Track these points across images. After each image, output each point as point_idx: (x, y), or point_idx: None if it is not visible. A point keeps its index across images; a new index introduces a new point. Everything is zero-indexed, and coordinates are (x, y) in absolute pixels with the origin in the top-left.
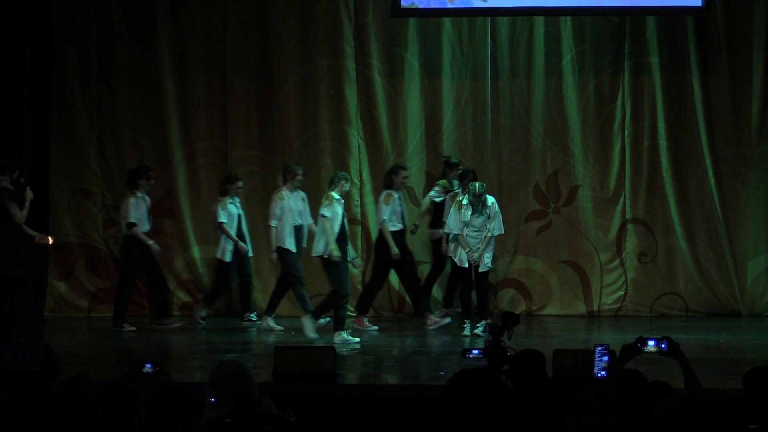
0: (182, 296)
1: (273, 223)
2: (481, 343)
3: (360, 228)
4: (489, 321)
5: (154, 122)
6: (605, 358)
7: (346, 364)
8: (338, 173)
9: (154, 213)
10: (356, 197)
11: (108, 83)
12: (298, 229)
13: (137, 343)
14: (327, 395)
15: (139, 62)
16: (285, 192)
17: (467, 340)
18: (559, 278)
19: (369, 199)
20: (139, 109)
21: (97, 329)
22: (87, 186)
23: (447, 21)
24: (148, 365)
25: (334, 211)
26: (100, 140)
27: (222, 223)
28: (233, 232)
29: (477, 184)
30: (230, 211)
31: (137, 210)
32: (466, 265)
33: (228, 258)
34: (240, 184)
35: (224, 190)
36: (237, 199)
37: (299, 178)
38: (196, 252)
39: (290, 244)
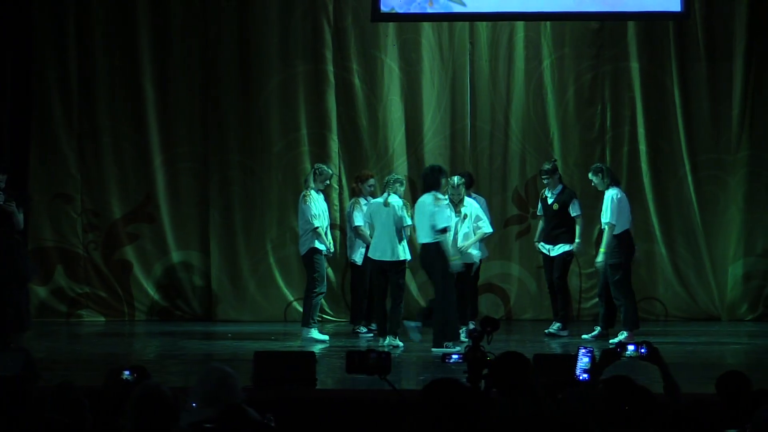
0: (160, 301)
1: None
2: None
3: (339, 232)
4: (470, 326)
5: (133, 127)
6: (587, 361)
7: (325, 368)
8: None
9: (133, 217)
10: (336, 201)
11: (88, 88)
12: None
13: (117, 347)
14: (306, 400)
15: (119, 67)
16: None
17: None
18: (539, 283)
19: (348, 203)
20: (118, 113)
21: (77, 334)
22: (66, 191)
23: (426, 25)
24: (127, 372)
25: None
26: (80, 145)
27: (359, 225)
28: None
29: (456, 178)
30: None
31: None
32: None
33: (360, 261)
34: (372, 181)
35: (357, 190)
36: (371, 200)
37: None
38: (175, 257)
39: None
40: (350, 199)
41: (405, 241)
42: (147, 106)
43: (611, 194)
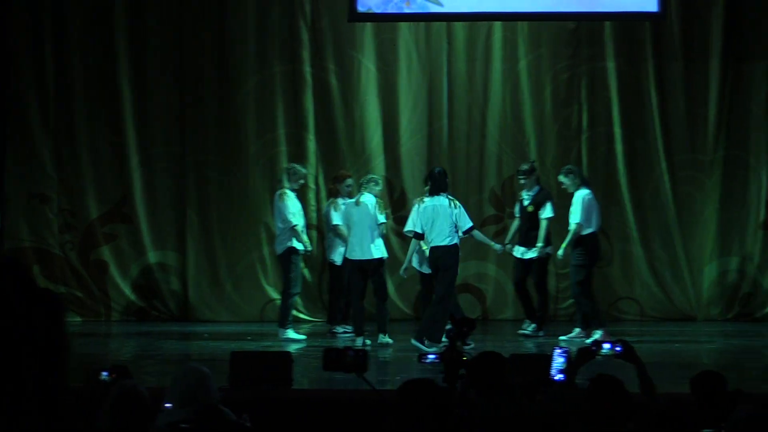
0: (137, 301)
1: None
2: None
3: (316, 232)
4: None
5: (110, 127)
6: (562, 361)
7: (301, 368)
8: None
9: (110, 218)
10: (312, 201)
11: (64, 88)
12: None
13: (94, 348)
14: (283, 400)
15: (95, 67)
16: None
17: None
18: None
19: (325, 203)
20: (95, 113)
21: None
22: (43, 191)
23: (403, 25)
24: (104, 373)
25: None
26: (56, 145)
27: (337, 225)
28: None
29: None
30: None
31: None
32: (423, 268)
33: (340, 261)
34: (349, 181)
35: (335, 191)
36: (350, 200)
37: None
38: (152, 257)
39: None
40: (328, 200)
41: (379, 239)
42: (124, 106)
43: (581, 195)
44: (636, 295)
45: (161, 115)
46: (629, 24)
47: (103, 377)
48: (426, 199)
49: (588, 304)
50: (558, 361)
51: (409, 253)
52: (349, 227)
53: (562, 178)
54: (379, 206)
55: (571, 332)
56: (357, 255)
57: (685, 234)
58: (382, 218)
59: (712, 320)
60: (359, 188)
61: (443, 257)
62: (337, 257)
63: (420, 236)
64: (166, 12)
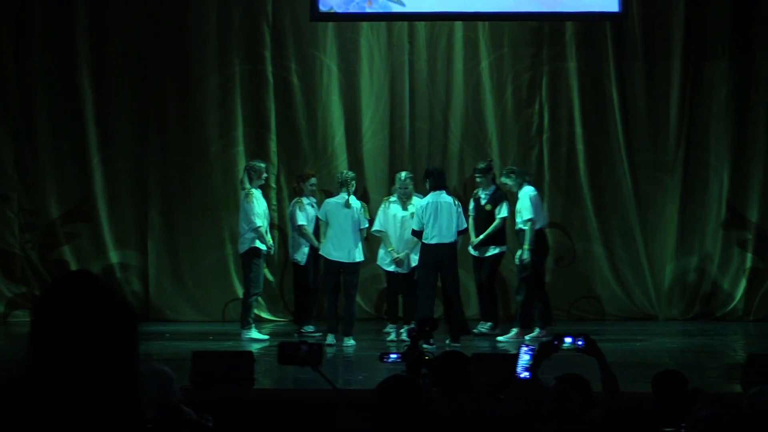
0: None
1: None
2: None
3: (277, 232)
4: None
5: (71, 126)
6: (528, 359)
7: (263, 368)
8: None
9: (71, 217)
10: (273, 201)
11: (25, 87)
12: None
13: None
14: (244, 400)
15: (56, 66)
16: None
17: (392, 345)
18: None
19: (286, 203)
20: (56, 113)
21: (14, 335)
22: (3, 190)
23: (365, 25)
24: None
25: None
26: (17, 144)
27: (302, 225)
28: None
29: (403, 173)
30: (308, 213)
31: None
32: (391, 268)
33: (304, 261)
34: (313, 180)
35: (299, 190)
36: (314, 200)
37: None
38: (113, 257)
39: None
40: (292, 199)
41: (361, 243)
42: (85, 105)
43: (527, 192)
44: (597, 295)
45: (122, 114)
46: (591, 24)
47: None
48: (426, 197)
49: (528, 303)
50: (524, 358)
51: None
52: (327, 226)
53: (504, 179)
54: (364, 210)
55: (532, 332)
56: (335, 256)
57: (647, 233)
58: (365, 223)
59: (673, 319)
60: (340, 186)
61: (449, 253)
62: (301, 257)
63: (420, 234)
64: (127, 11)
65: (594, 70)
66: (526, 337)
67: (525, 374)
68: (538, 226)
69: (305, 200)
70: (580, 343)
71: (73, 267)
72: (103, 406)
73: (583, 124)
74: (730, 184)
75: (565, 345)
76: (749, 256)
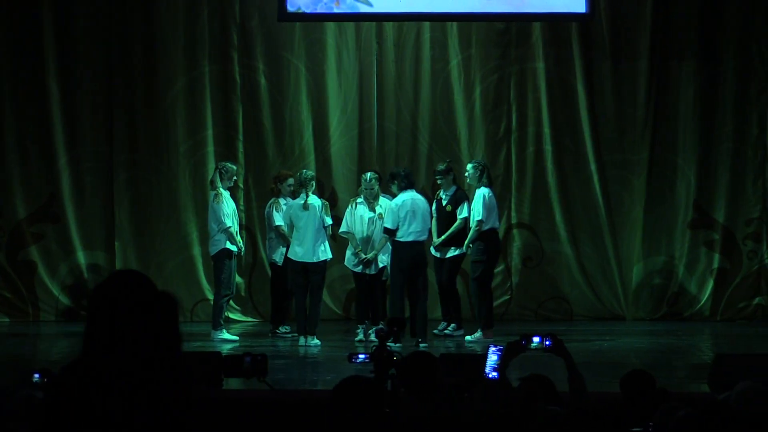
0: (65, 301)
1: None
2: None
3: (245, 233)
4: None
5: (38, 126)
6: (496, 359)
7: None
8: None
9: (38, 217)
10: (241, 202)
11: None
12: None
13: (22, 349)
14: (212, 401)
15: (23, 66)
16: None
17: (360, 345)
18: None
19: (254, 204)
20: (23, 113)
21: None
22: None
23: (333, 25)
24: (36, 375)
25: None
26: None
27: (279, 225)
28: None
29: (369, 174)
30: (285, 213)
31: None
32: (358, 269)
33: (281, 262)
34: (291, 181)
35: (276, 191)
36: (290, 200)
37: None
38: (81, 257)
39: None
40: (261, 200)
41: (327, 241)
42: (51, 105)
43: (483, 192)
44: (565, 295)
45: (89, 114)
46: (558, 25)
47: (35, 379)
48: (401, 195)
49: (485, 303)
50: (492, 359)
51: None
52: (292, 228)
53: (470, 168)
54: (326, 208)
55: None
56: (300, 256)
57: (614, 234)
58: (328, 220)
59: (641, 319)
60: (299, 186)
61: (424, 251)
62: (278, 258)
63: (393, 232)
64: (94, 10)
65: (561, 71)
66: (468, 338)
67: (493, 374)
68: (488, 227)
69: (282, 201)
70: (547, 343)
71: (41, 268)
72: (154, 386)
73: (551, 125)
74: (697, 185)
75: (532, 345)
76: (716, 256)
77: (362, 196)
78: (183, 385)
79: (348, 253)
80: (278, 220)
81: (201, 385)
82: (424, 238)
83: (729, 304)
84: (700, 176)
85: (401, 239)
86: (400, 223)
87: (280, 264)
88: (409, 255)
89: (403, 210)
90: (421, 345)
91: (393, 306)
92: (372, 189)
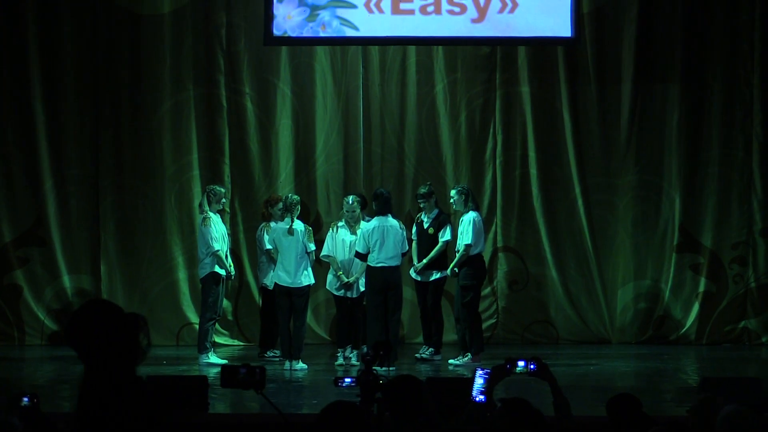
0: (51, 325)
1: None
2: (354, 372)
3: (231, 256)
4: (363, 350)
5: (23, 149)
6: (482, 383)
7: (217, 392)
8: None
9: (23, 241)
10: (228, 226)
11: None
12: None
13: (7, 372)
14: (199, 425)
15: (8, 89)
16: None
17: (341, 369)
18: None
19: (240, 227)
20: (8, 136)
21: None
22: None
23: (319, 49)
24: (26, 398)
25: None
26: None
27: (269, 249)
28: None
29: (351, 197)
30: None
31: None
32: (340, 293)
33: (272, 285)
34: (281, 205)
35: (266, 215)
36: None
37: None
38: (66, 281)
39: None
40: (253, 223)
41: (309, 266)
42: (37, 128)
43: (471, 217)
44: (551, 319)
45: (75, 137)
46: (543, 49)
47: (24, 403)
48: (372, 220)
49: (474, 327)
50: (478, 382)
51: (360, 271)
52: (276, 252)
53: (454, 194)
54: (309, 234)
55: (465, 356)
56: (284, 281)
57: (600, 257)
58: (311, 246)
59: (627, 343)
60: (285, 210)
61: (396, 277)
62: (269, 282)
63: (364, 257)
64: (80, 34)
65: (547, 95)
66: (452, 361)
67: (480, 397)
68: (475, 251)
69: (273, 224)
70: (532, 366)
71: (27, 292)
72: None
73: (536, 148)
74: (683, 208)
75: (517, 369)
76: (702, 280)
77: (343, 219)
78: (144, 403)
79: (329, 276)
80: (268, 243)
81: (186, 408)
82: (396, 263)
83: (715, 328)
84: (685, 200)
85: (372, 264)
86: (371, 249)
87: (270, 288)
88: (380, 280)
89: (373, 236)
90: (391, 369)
91: (369, 330)
92: (354, 212)
